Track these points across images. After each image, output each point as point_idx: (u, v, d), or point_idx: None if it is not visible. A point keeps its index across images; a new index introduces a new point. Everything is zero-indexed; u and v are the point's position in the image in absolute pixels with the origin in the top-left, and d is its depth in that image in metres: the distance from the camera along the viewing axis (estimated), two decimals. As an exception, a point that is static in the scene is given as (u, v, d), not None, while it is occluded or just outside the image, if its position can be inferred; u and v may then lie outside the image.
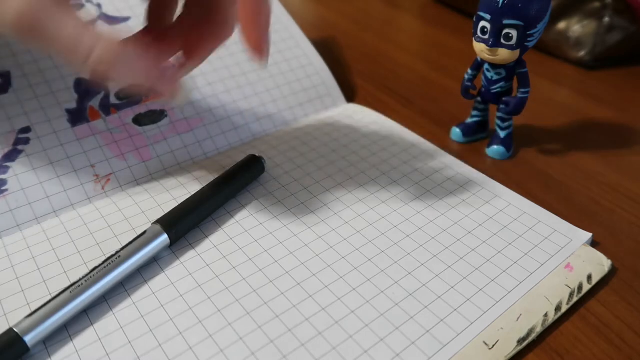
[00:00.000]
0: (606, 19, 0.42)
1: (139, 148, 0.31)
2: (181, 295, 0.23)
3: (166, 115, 0.32)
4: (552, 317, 0.23)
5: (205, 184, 0.28)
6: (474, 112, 0.35)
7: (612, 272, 0.25)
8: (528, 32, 0.28)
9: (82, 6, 0.34)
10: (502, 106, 0.32)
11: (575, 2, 0.44)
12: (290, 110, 0.36)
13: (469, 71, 0.33)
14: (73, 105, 0.31)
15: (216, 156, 0.32)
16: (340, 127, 0.35)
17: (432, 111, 0.38)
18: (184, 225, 0.26)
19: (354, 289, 0.23)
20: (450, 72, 0.44)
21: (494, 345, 0.21)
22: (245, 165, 0.29)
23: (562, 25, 0.44)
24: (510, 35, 0.28)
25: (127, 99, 0.32)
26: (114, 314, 0.22)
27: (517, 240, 0.26)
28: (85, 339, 0.21)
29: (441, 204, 0.28)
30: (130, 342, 0.21)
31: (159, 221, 0.25)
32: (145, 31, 0.26)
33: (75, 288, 0.22)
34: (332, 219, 0.27)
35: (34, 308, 0.22)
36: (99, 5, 0.35)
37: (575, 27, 0.44)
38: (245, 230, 0.27)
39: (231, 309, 0.23)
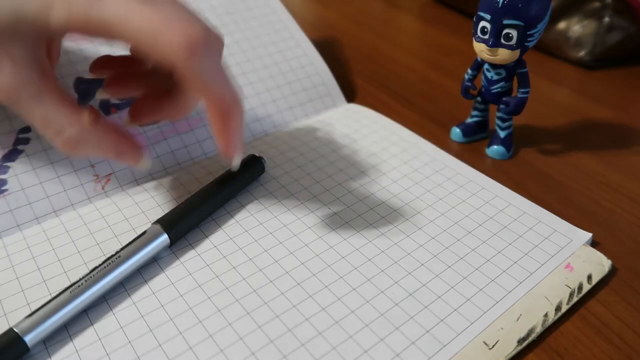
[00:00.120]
0: (606, 19, 0.42)
1: (139, 148, 0.31)
2: (181, 295, 0.23)
3: (166, 115, 0.32)
4: (552, 317, 0.23)
5: (205, 184, 0.28)
6: (474, 112, 0.35)
7: (612, 272, 0.25)
8: (528, 32, 0.28)
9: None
10: (502, 106, 0.32)
11: (575, 2, 0.44)
12: (290, 110, 0.36)
13: (469, 71, 0.33)
14: (73, 105, 0.31)
15: (216, 156, 0.32)
16: (341, 127, 0.35)
17: (432, 111, 0.38)
18: (184, 225, 0.26)
19: (354, 289, 0.23)
20: (450, 72, 0.44)
21: (494, 345, 0.21)
22: (245, 165, 0.29)
23: (562, 25, 0.44)
24: (510, 35, 0.28)
25: (127, 99, 0.32)
26: (114, 314, 0.22)
27: (517, 240, 0.26)
28: (85, 339, 0.21)
29: (441, 204, 0.28)
30: (130, 342, 0.21)
31: (159, 221, 0.25)
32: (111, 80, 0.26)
33: (75, 288, 0.22)
34: (332, 219, 0.27)
35: (34, 308, 0.22)
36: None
37: (575, 27, 0.44)
38: (245, 230, 0.27)
39: (231, 309, 0.23)
